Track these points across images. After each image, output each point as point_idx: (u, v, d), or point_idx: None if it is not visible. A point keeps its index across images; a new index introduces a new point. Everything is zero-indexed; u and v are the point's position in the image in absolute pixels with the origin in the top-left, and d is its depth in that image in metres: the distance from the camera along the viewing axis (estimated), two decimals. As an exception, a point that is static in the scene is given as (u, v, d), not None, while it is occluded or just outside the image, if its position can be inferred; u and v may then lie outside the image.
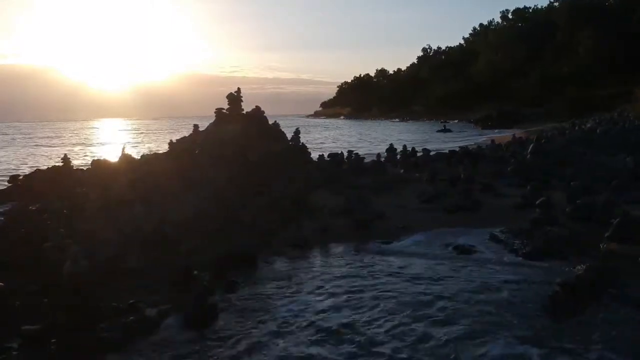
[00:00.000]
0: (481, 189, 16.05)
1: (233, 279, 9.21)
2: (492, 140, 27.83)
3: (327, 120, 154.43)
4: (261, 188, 16.51)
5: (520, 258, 10.77)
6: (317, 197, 15.70)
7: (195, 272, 9.79)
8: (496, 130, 67.38)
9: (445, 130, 69.93)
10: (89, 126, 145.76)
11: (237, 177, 15.68)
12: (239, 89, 21.13)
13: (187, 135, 21.02)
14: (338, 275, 9.62)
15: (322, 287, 8.97)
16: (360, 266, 10.04)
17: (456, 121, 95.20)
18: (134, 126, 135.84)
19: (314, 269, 10.11)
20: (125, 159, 16.08)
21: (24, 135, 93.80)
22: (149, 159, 13.55)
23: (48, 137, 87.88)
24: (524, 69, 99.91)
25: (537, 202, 12.56)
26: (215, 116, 20.05)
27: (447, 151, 27.37)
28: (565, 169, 17.66)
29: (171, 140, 14.17)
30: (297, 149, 21.69)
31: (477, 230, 12.97)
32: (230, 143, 18.01)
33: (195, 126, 20.27)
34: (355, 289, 8.78)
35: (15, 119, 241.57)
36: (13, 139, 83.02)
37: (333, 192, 16.56)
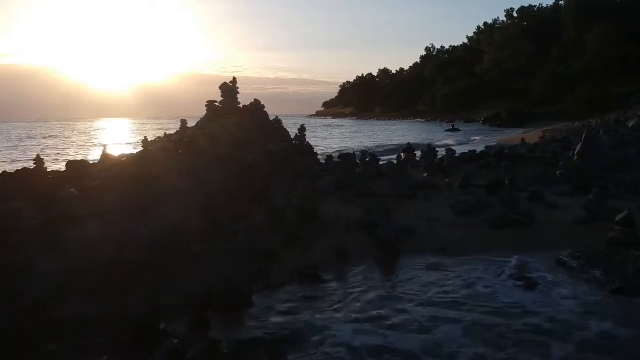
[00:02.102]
0: (529, 197, 13.12)
1: (215, 339, 6.33)
2: (523, 140, 24.79)
3: (332, 120, 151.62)
4: (260, 188, 13.65)
5: (611, 297, 7.91)
6: (327, 208, 12.82)
7: (163, 324, 6.94)
8: (508, 130, 64.68)
9: (454, 129, 67.17)
10: (89, 126, 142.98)
11: (230, 183, 12.80)
12: (234, 78, 18.15)
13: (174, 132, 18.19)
14: (366, 324, 6.73)
15: (345, 350, 6.06)
16: (397, 312, 7.13)
17: (458, 120, 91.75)
18: (135, 126, 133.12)
19: (330, 318, 7.18)
20: (107, 160, 13.27)
21: (20, 135, 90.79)
22: (116, 162, 10.67)
23: (44, 136, 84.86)
24: (530, 68, 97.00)
25: (618, 218, 9.67)
26: (207, 110, 17.16)
27: (467, 151, 24.39)
28: (623, 173, 14.76)
29: (145, 138, 11.25)
30: (303, 149, 18.80)
31: (535, 253, 10.12)
32: (224, 141, 15.12)
33: (183, 122, 17.39)
34: (397, 350, 5.88)
35: (15, 119, 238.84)
36: (8, 138, 79.99)
37: (346, 201, 13.65)
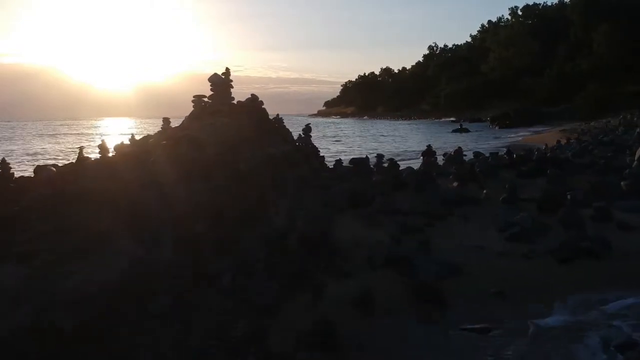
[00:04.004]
0: (593, 216, 10.39)
1: None
2: (558, 141, 21.88)
3: (334, 120, 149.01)
4: (257, 204, 10.91)
5: None
6: (341, 230, 10.09)
7: None
8: (520, 130, 62.05)
9: (461, 129, 64.21)
10: (88, 125, 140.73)
11: (218, 200, 10.06)
12: (227, 69, 15.34)
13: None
14: None
15: None
16: None
17: (463, 120, 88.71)
18: (135, 125, 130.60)
19: None
20: (40, 170, 10.60)
21: (19, 134, 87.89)
22: (64, 171, 7.99)
23: (38, 135, 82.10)
24: (535, 66, 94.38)
25: None
26: (193, 106, 14.40)
27: (487, 154, 21.59)
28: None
29: (103, 142, 8.53)
30: (308, 152, 16.05)
31: (632, 301, 7.44)
32: (212, 143, 12.37)
33: (165, 120, 14.59)
34: None
35: (16, 118, 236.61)
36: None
37: (365, 220, 10.90)
